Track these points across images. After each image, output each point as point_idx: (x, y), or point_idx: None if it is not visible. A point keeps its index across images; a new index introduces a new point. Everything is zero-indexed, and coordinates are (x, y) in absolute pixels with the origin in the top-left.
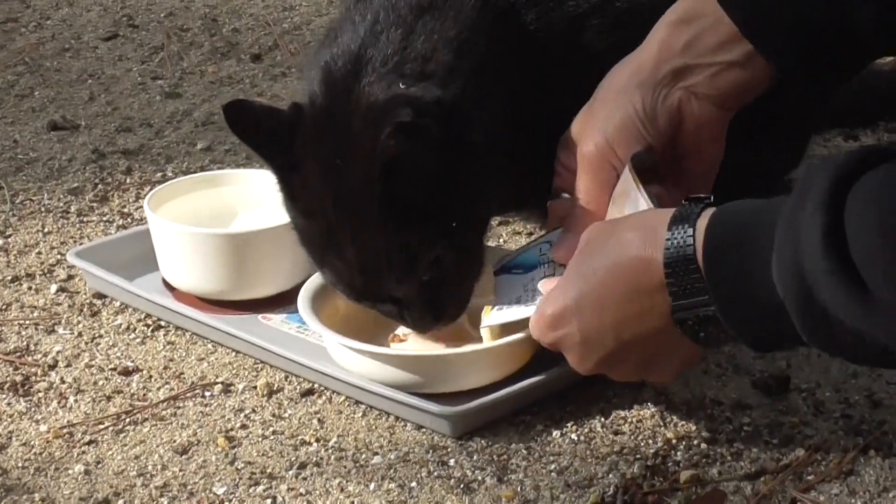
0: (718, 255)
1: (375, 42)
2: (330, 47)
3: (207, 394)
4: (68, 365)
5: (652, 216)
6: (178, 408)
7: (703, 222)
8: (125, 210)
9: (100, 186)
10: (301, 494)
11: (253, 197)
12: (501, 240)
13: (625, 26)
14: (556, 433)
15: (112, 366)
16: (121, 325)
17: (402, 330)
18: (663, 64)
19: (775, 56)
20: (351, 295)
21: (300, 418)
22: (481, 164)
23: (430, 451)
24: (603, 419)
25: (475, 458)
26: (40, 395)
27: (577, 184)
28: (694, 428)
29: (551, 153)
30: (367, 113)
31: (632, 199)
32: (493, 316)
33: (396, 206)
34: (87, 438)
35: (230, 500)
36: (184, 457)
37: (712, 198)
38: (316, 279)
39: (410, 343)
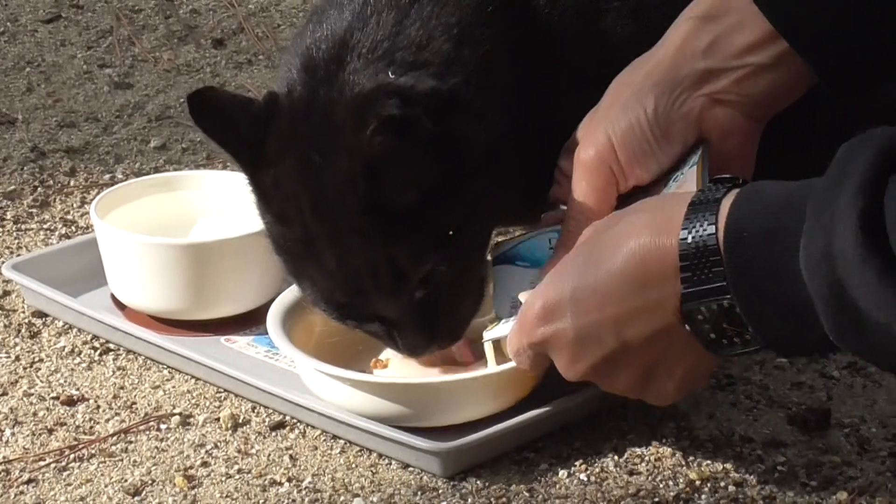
0: (740, 240)
1: (364, 26)
2: (312, 31)
3: (163, 426)
4: (4, 393)
5: (668, 199)
6: (130, 442)
7: (727, 204)
8: (68, 217)
9: (39, 189)
10: None
11: (215, 202)
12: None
13: (649, 12)
14: (562, 473)
15: (54, 394)
16: (64, 347)
17: (385, 353)
18: (683, 65)
19: (815, 57)
20: (332, 313)
21: (269, 455)
22: (483, 166)
23: (419, 494)
24: (616, 457)
25: (469, 501)
26: None
27: (573, 189)
28: (720, 468)
29: (558, 155)
30: (350, 104)
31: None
32: (499, 328)
33: (383, 212)
34: (26, 477)
35: None
36: (136, 498)
37: (741, 179)
38: (287, 296)
39: (395, 369)
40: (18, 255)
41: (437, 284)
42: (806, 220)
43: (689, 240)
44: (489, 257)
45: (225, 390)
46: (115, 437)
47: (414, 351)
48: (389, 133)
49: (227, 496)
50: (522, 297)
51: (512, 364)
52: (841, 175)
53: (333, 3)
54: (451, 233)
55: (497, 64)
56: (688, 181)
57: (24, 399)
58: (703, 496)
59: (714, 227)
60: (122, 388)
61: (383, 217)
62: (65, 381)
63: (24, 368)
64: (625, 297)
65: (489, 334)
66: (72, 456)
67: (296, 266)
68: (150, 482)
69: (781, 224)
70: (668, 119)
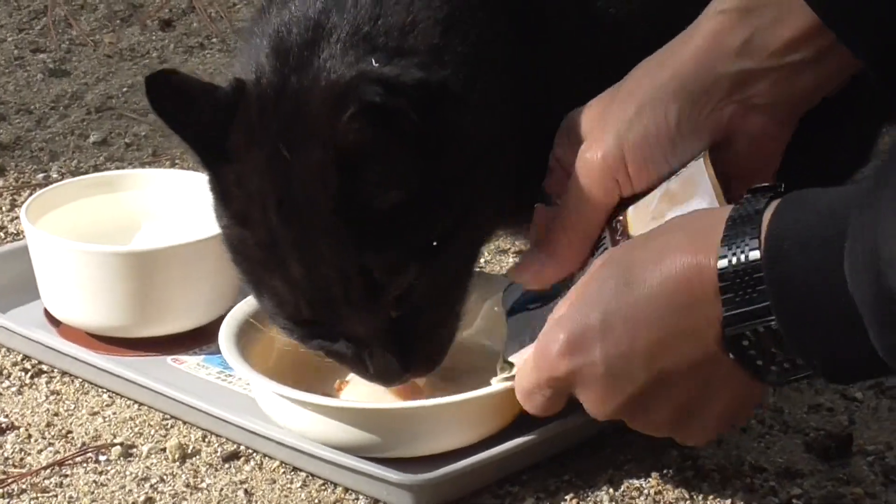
0: (780, 252)
1: (341, 8)
2: (280, 12)
3: (103, 458)
4: None
5: (705, 214)
6: (66, 476)
7: (767, 216)
8: None
9: None
10: None
11: (161, 205)
12: (482, 260)
13: None
14: None
15: None
16: None
17: (352, 374)
18: (714, 66)
19: (864, 48)
20: (294, 331)
21: (222, 489)
22: (473, 167)
23: None
24: (612, 490)
25: None
26: None
27: (570, 190)
28: (729, 502)
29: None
30: (326, 92)
31: (699, 198)
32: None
33: (358, 214)
34: None
35: None
36: None
37: (782, 187)
38: (241, 309)
39: (360, 391)
40: None
41: (415, 303)
42: (851, 222)
43: (730, 258)
44: (497, 308)
45: (172, 417)
46: (48, 470)
47: (385, 379)
48: (369, 122)
49: None
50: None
51: (494, 388)
52: (886, 176)
53: None
54: (434, 243)
55: (488, 53)
56: (696, 177)
57: None
58: None
59: (757, 241)
60: (56, 414)
61: (358, 220)
62: None
63: None
64: (661, 325)
65: (499, 379)
66: (0, 491)
67: (256, 274)
68: None
69: (823, 233)
70: (692, 128)
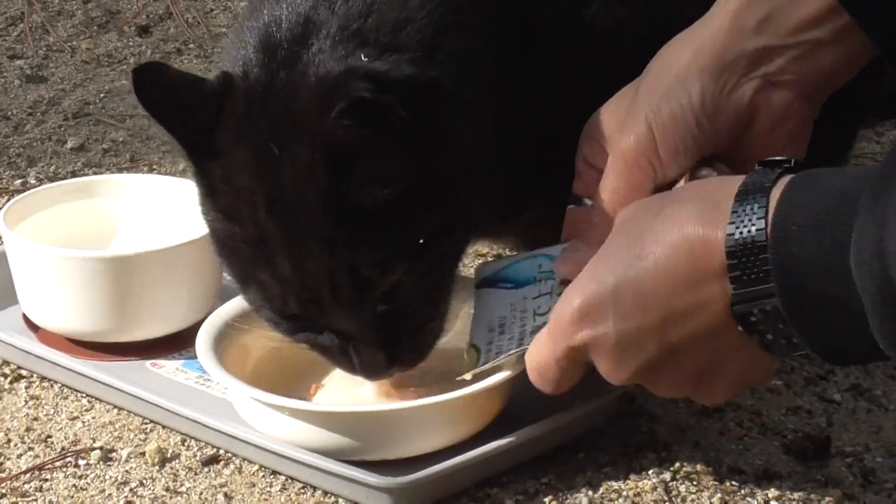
0: (788, 233)
1: (332, 4)
2: (272, 8)
3: (82, 462)
4: None
5: (714, 185)
6: (45, 480)
7: (776, 194)
8: None
9: None
10: None
11: (139, 210)
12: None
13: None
14: None
15: None
16: None
17: (327, 378)
18: (734, 44)
19: (877, 31)
20: (281, 325)
21: (201, 493)
22: (462, 167)
23: None
24: (591, 492)
25: None
26: None
27: (603, 184)
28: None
29: (546, 158)
30: (315, 87)
31: None
32: (484, 364)
33: (346, 211)
34: None
35: None
36: None
37: (793, 162)
38: (219, 314)
39: (334, 394)
40: None
41: (402, 299)
42: (859, 214)
43: (737, 235)
44: (475, 283)
45: (151, 421)
46: (28, 475)
47: (372, 372)
48: (358, 118)
49: None
50: (537, 306)
51: (472, 388)
52: (894, 168)
53: None
54: (421, 241)
55: (480, 53)
56: None
57: None
58: None
59: (763, 220)
60: (35, 419)
61: (347, 218)
62: None
63: None
64: (670, 298)
65: (474, 371)
66: None
67: (244, 270)
68: None
69: (832, 216)
70: (716, 106)
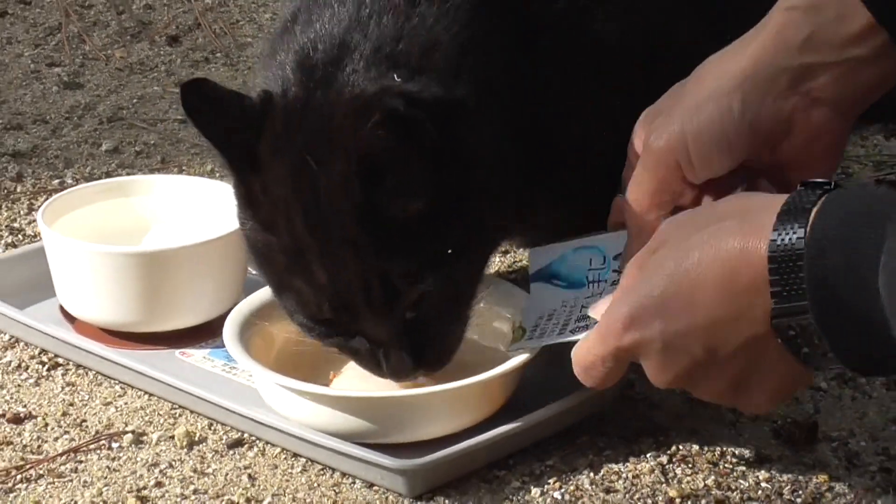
0: (821, 249)
1: (365, 28)
2: (306, 30)
3: (115, 445)
4: None
5: (756, 199)
6: (80, 462)
7: (813, 214)
8: (15, 225)
9: None
10: None
11: (169, 208)
12: None
13: (637, 10)
14: (535, 491)
15: (0, 412)
16: (10, 362)
17: (346, 365)
18: (779, 60)
19: None
20: (314, 329)
21: (227, 474)
22: (486, 182)
23: None
24: (592, 474)
25: None
26: None
27: (632, 175)
28: (702, 485)
29: (551, 163)
30: (350, 104)
31: None
32: (528, 340)
33: (379, 223)
34: None
35: None
36: None
37: (833, 184)
38: (245, 306)
39: (351, 381)
40: None
41: (429, 306)
42: (888, 237)
43: (778, 253)
44: (483, 305)
45: (180, 406)
46: (64, 457)
47: (398, 375)
48: (391, 130)
49: None
50: (592, 311)
51: (482, 377)
52: None
53: (320, 4)
54: (449, 251)
55: (496, 71)
56: None
57: None
58: None
59: (802, 241)
60: (71, 404)
61: (378, 228)
62: (11, 398)
63: None
64: (713, 309)
65: (516, 345)
66: (19, 477)
67: (280, 278)
68: (101, 503)
69: (861, 233)
70: (756, 118)
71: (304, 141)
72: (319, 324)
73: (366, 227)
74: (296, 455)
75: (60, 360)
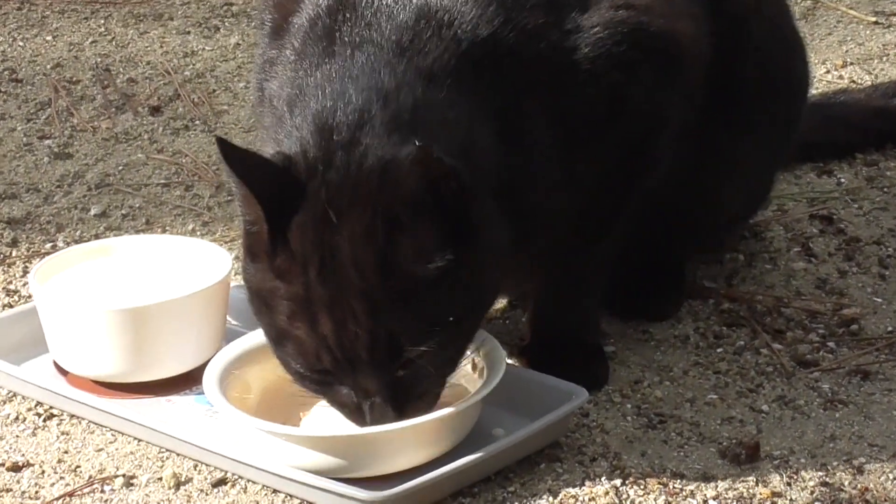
0: None
1: (381, 95)
2: (316, 95)
3: (108, 488)
4: None
5: None
6: None
7: None
8: (11, 287)
9: None
10: None
11: (152, 266)
12: None
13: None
14: None
15: (0, 461)
16: (9, 415)
17: (317, 405)
18: None
19: None
20: (307, 377)
21: None
22: (489, 253)
23: None
24: (552, 498)
25: None
26: None
27: None
28: None
29: (531, 228)
30: (374, 163)
31: None
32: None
33: (398, 275)
34: None
35: None
36: None
37: None
38: (223, 356)
39: (318, 420)
40: None
41: (422, 366)
42: None
43: None
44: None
45: (167, 450)
46: (60, 501)
47: (379, 423)
48: (420, 181)
49: None
50: None
51: (445, 411)
52: None
53: (325, 74)
54: (451, 319)
55: (494, 156)
56: None
57: None
58: None
59: None
60: (66, 452)
61: (396, 283)
62: (10, 448)
63: None
64: None
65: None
66: None
67: (281, 325)
68: None
69: None
70: None
71: (326, 196)
72: (315, 373)
73: (385, 279)
74: (276, 491)
75: (55, 412)
